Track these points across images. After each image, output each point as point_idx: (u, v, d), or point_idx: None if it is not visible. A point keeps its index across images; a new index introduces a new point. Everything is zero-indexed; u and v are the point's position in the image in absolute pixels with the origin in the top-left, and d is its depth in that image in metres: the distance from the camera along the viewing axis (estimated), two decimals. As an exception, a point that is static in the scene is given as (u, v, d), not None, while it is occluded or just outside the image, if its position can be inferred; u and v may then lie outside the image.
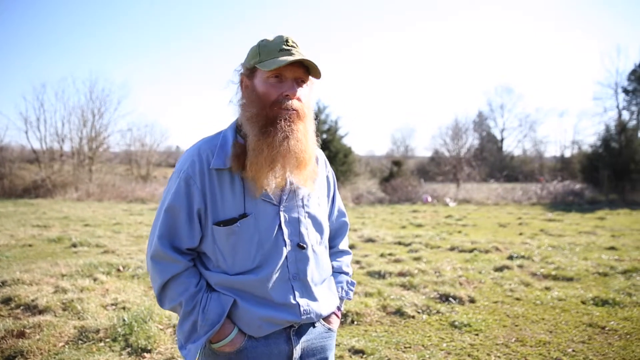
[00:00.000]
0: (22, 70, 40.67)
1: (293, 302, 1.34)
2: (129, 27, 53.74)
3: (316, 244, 1.43)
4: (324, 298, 1.44)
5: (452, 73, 63.37)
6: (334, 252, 1.62)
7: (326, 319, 1.47)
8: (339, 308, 1.53)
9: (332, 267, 1.58)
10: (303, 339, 1.39)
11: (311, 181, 1.40)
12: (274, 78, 1.31)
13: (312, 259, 1.40)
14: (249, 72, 1.35)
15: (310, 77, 1.37)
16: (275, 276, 1.32)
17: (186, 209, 1.31)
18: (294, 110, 1.30)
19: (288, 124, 1.29)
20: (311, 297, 1.38)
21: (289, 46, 1.31)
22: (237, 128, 1.39)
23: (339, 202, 1.65)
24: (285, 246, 1.34)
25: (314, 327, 1.42)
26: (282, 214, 1.35)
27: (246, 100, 1.34)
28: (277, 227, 1.34)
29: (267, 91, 1.30)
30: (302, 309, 1.35)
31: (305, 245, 1.37)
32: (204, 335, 1.30)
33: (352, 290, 1.61)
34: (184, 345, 1.34)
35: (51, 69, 44.24)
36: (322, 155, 1.56)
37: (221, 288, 1.33)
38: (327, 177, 1.57)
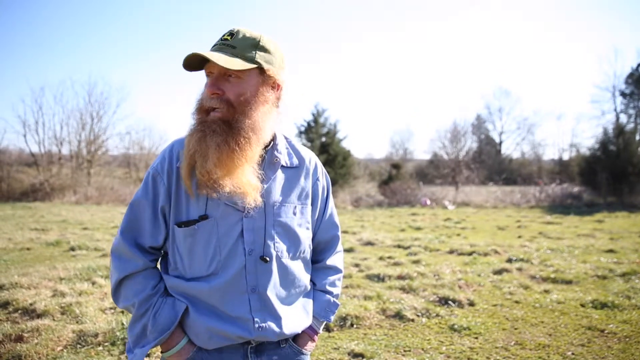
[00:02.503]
0: (20, 73, 40.71)
1: (247, 316, 1.24)
2: (128, 30, 53.81)
3: (286, 257, 1.31)
4: (290, 316, 1.31)
5: (450, 76, 63.57)
6: (320, 267, 1.48)
7: (297, 340, 1.36)
8: (314, 330, 1.40)
9: (314, 285, 1.45)
10: (265, 358, 1.29)
11: (253, 192, 1.22)
12: (207, 77, 1.25)
13: (276, 273, 1.28)
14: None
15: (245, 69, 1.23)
16: (230, 287, 1.24)
17: (151, 206, 1.27)
18: (214, 109, 1.21)
19: (207, 124, 1.21)
20: (271, 313, 1.27)
21: (222, 39, 1.24)
22: None
23: (331, 213, 1.50)
24: (245, 255, 1.24)
25: (281, 348, 1.31)
26: (245, 220, 1.25)
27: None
28: (237, 234, 1.24)
29: (203, 91, 1.25)
30: (256, 325, 1.24)
31: (268, 257, 1.26)
32: (153, 341, 1.23)
33: (332, 312, 1.45)
34: (132, 349, 1.25)
35: (50, 72, 44.26)
36: (312, 159, 1.44)
37: (175, 293, 1.27)
38: (316, 183, 1.43)
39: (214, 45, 1.25)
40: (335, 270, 1.50)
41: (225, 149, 1.18)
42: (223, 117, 1.21)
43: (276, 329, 1.27)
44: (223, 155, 1.18)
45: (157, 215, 1.28)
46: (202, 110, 1.24)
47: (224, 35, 1.26)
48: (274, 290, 1.28)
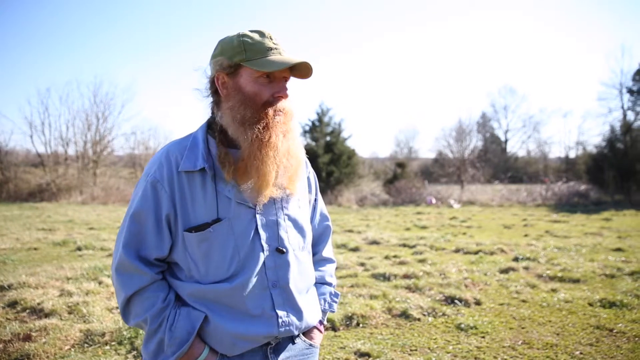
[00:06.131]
0: (26, 74, 40.95)
1: (271, 312, 1.24)
2: (133, 31, 54.05)
3: (298, 249, 1.33)
4: (308, 309, 1.33)
5: (455, 74, 63.33)
6: (317, 260, 1.51)
7: (307, 334, 1.37)
8: (320, 322, 1.43)
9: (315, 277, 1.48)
10: (282, 356, 1.28)
11: (300, 182, 1.35)
12: (264, 78, 1.24)
13: (293, 265, 1.30)
14: (231, 69, 1.25)
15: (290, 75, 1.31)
16: (251, 284, 1.22)
17: (154, 215, 1.22)
18: (285, 111, 1.26)
19: (282, 125, 1.25)
20: (293, 307, 1.28)
21: (274, 44, 1.26)
22: (207, 129, 1.31)
23: (321, 205, 1.55)
24: (263, 251, 1.25)
25: (294, 343, 1.32)
26: (258, 217, 1.26)
27: (234, 102, 1.24)
28: (253, 231, 1.24)
29: (259, 91, 1.23)
30: (280, 320, 1.24)
31: (285, 250, 1.28)
32: (172, 356, 1.18)
33: (335, 302, 1.50)
34: None
35: (55, 73, 44.53)
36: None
37: (194, 300, 1.23)
38: (308, 177, 1.48)
39: (277, 50, 1.25)
40: (330, 261, 1.55)
41: (298, 149, 1.30)
42: (287, 120, 1.27)
43: (298, 322, 1.28)
44: (296, 157, 1.28)
45: (161, 224, 1.23)
46: (272, 110, 1.25)
47: (272, 39, 1.26)
48: (294, 283, 1.29)
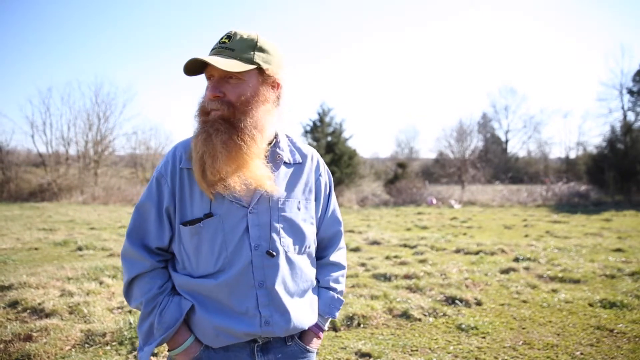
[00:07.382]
0: (27, 74, 40.99)
1: (254, 311, 1.25)
2: (134, 31, 54.09)
3: (292, 251, 1.33)
4: (298, 312, 1.32)
5: (455, 74, 63.32)
6: (323, 264, 1.48)
7: (304, 337, 1.37)
8: (319, 327, 1.41)
9: (318, 282, 1.46)
10: (271, 356, 1.30)
11: (268, 181, 1.26)
12: (208, 80, 1.28)
13: (284, 267, 1.30)
14: None
15: (246, 70, 1.24)
16: (237, 282, 1.25)
17: (155, 207, 1.30)
18: (215, 110, 1.23)
19: (210, 124, 1.23)
20: (280, 308, 1.28)
21: (221, 42, 1.26)
22: None
23: (333, 208, 1.51)
24: (251, 251, 1.26)
25: (287, 345, 1.33)
26: (250, 216, 1.27)
27: None
28: (243, 230, 1.26)
29: (206, 93, 1.28)
30: (263, 320, 1.26)
31: (275, 252, 1.28)
32: (159, 338, 1.26)
33: (337, 308, 1.46)
34: (142, 347, 1.29)
35: (57, 73, 44.55)
36: (314, 155, 1.46)
37: (183, 291, 1.30)
38: (319, 179, 1.45)
39: (213, 49, 1.28)
40: (338, 266, 1.51)
41: (232, 145, 1.21)
42: (224, 116, 1.24)
43: (283, 324, 1.29)
44: (232, 152, 1.21)
45: (161, 216, 1.30)
46: (204, 113, 1.27)
47: (222, 38, 1.28)
48: (282, 285, 1.29)
